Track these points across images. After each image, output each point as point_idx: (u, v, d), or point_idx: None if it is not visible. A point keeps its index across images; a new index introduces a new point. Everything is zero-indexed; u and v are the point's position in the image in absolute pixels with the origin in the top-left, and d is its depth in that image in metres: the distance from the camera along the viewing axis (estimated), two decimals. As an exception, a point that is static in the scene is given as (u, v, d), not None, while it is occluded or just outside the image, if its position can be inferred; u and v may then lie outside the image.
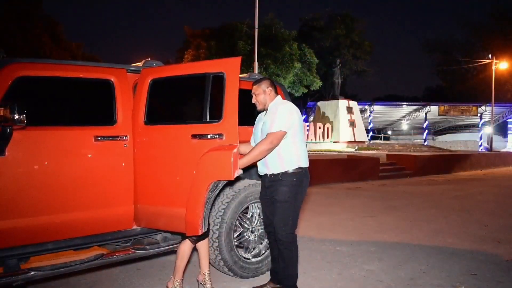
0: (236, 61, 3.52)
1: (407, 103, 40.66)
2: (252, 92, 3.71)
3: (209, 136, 3.46)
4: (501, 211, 8.52)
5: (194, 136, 3.53)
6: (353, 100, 32.81)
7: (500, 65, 33.38)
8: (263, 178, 3.74)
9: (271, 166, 3.58)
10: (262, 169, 3.68)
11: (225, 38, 29.02)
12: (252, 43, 20.21)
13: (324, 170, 12.84)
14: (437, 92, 51.51)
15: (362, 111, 36.11)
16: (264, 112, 3.75)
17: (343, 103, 30.45)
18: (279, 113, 3.54)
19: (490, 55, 33.57)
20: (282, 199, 3.54)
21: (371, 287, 4.10)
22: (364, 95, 41.35)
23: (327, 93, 34.76)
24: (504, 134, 38.61)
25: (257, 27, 18.90)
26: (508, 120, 37.24)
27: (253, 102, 3.73)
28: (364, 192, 11.28)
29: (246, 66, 25.64)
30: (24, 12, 24.35)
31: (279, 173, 3.54)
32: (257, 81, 3.72)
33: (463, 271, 4.57)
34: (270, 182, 3.61)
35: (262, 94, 3.69)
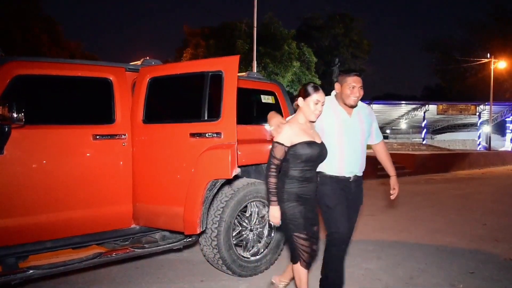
0: (235, 59, 3.52)
1: (405, 102, 40.64)
2: (354, 84, 3.23)
3: (207, 135, 3.46)
4: (500, 210, 8.52)
5: (192, 135, 3.53)
6: (352, 99, 32.73)
7: (499, 64, 33.38)
8: (344, 181, 3.33)
9: (361, 168, 3.42)
10: (354, 170, 3.36)
11: (224, 37, 29.02)
12: (251, 42, 20.19)
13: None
14: (436, 91, 51.54)
15: (361, 110, 36.01)
16: (337, 108, 3.35)
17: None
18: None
19: (488, 55, 33.58)
20: (362, 202, 3.51)
21: (370, 286, 4.10)
22: (363, 94, 41.14)
23: (326, 92, 34.73)
24: (503, 133, 38.62)
25: (255, 26, 18.89)
26: (507, 119, 37.23)
27: (353, 96, 3.25)
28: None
29: (245, 65, 25.63)
30: (23, 11, 24.31)
31: (362, 175, 3.46)
32: (359, 73, 3.30)
33: (462, 270, 4.58)
34: (357, 185, 3.40)
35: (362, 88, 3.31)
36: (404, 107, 40.08)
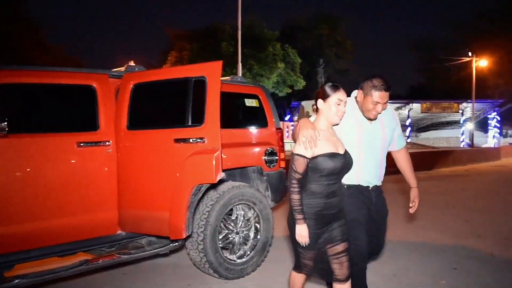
0: (217, 65, 3.56)
1: (390, 101, 40.56)
2: (379, 100, 2.94)
3: (191, 140, 3.50)
4: (482, 206, 8.67)
5: (176, 140, 3.56)
6: (337, 99, 32.93)
7: (480, 63, 33.94)
8: (364, 191, 3.08)
9: (380, 178, 3.16)
10: (372, 180, 3.11)
11: (209, 39, 29.01)
12: (235, 44, 20.25)
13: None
14: (420, 90, 52.07)
15: (346, 110, 36.25)
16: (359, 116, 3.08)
17: (327, 102, 30.56)
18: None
19: (470, 53, 34.09)
20: (388, 212, 3.25)
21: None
22: (348, 93, 41.32)
23: (311, 93, 34.91)
24: (485, 130, 39.17)
25: (240, 28, 18.92)
26: (489, 116, 37.82)
27: (375, 111, 2.97)
28: (348, 191, 11.36)
29: (230, 67, 25.67)
30: (5, 15, 24.01)
31: (381, 184, 3.20)
32: (389, 87, 2.96)
33: (445, 266, 4.68)
34: (378, 195, 3.15)
35: None
36: (389, 106, 40.40)
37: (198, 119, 3.53)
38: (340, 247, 2.78)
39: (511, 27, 40.54)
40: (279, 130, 5.04)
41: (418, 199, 3.32)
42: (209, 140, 3.45)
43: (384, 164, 3.16)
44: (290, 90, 32.32)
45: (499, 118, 38.00)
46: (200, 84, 3.55)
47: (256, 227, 4.46)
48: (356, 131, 3.00)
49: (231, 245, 4.30)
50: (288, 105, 38.01)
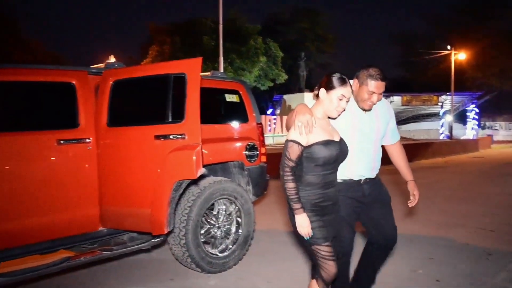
0: (197, 61, 3.59)
1: (370, 94, 41.33)
2: (375, 90, 2.85)
3: (171, 137, 3.52)
4: (460, 197, 8.88)
5: (157, 137, 3.59)
6: (318, 92, 33.16)
7: (459, 56, 34.49)
8: (355, 186, 2.98)
9: (374, 171, 3.07)
10: (364, 173, 3.01)
11: (190, 33, 28.88)
12: (217, 38, 20.18)
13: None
14: (401, 83, 52.64)
15: (328, 103, 36.49)
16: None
17: (308, 95, 30.75)
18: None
19: (449, 47, 34.61)
20: (390, 198, 3.16)
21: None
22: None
23: (293, 86, 35.11)
24: (464, 122, 39.87)
25: (221, 22, 18.86)
26: (467, 109, 38.52)
27: (370, 102, 2.89)
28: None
29: (212, 61, 25.60)
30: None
31: (377, 174, 3.12)
32: (385, 78, 2.87)
33: (422, 256, 4.80)
34: (373, 185, 3.05)
35: None
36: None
37: (178, 116, 3.55)
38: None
39: (488, 21, 41.28)
40: (260, 125, 5.09)
41: (418, 192, 3.23)
42: (189, 136, 3.48)
43: (379, 157, 3.08)
44: (272, 84, 32.40)
45: (477, 110, 38.78)
46: (180, 81, 3.57)
47: (237, 221, 4.52)
48: (349, 121, 2.88)
49: (213, 240, 4.35)
50: (270, 98, 38.08)
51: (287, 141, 2.55)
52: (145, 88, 3.91)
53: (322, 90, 2.62)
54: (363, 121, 2.95)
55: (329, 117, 2.71)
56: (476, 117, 38.93)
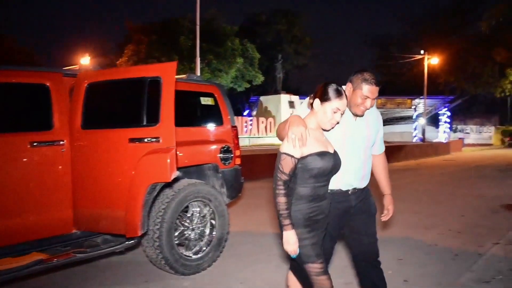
0: (172, 65, 3.62)
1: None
2: (369, 95, 2.76)
3: (146, 140, 3.56)
4: (431, 199, 9.11)
5: (131, 140, 3.61)
6: (295, 94, 33.50)
7: (432, 61, 35.30)
8: (341, 196, 2.84)
9: (364, 181, 2.96)
10: (353, 183, 2.88)
11: (167, 33, 28.73)
12: (194, 38, 20.16)
13: (266, 164, 13.00)
14: (375, 85, 53.51)
15: (304, 105, 36.80)
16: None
17: (285, 97, 31.06)
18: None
19: (422, 51, 35.37)
20: (375, 210, 3.04)
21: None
22: (306, 89, 42.12)
23: (270, 88, 35.29)
24: (436, 125, 40.82)
25: (198, 23, 18.86)
26: (440, 112, 39.44)
27: (363, 107, 2.79)
28: (305, 185, 11.59)
29: (188, 61, 25.56)
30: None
31: (367, 185, 3.01)
32: (379, 82, 2.80)
33: (391, 257, 4.91)
34: (363, 195, 2.95)
35: None
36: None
37: (153, 119, 3.58)
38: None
39: (460, 27, 42.33)
40: (234, 128, 5.14)
41: (392, 207, 3.16)
42: (164, 140, 3.51)
43: (369, 166, 2.98)
44: (248, 85, 32.54)
45: (449, 114, 39.78)
46: (155, 84, 3.60)
47: (211, 223, 4.56)
48: (340, 127, 2.74)
49: (187, 241, 4.38)
50: (246, 100, 38.22)
51: (279, 153, 2.44)
52: (120, 91, 3.92)
53: (317, 101, 2.51)
54: (354, 128, 2.85)
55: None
56: (448, 120, 39.91)
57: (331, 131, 2.66)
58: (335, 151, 2.59)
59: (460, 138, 38.82)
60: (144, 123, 3.62)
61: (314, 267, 2.46)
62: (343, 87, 2.71)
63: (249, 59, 31.31)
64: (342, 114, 2.53)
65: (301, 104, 2.84)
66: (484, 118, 48.94)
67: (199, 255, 4.41)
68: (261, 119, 29.09)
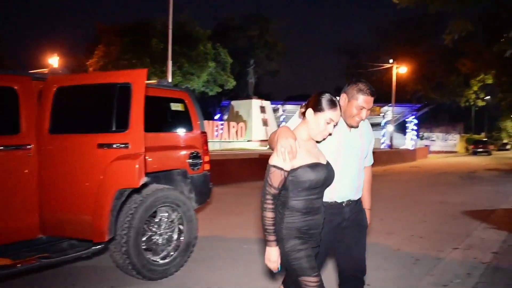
0: (143, 72, 3.66)
1: (316, 104, 42.46)
2: (365, 105, 2.73)
3: (115, 146, 3.58)
4: (396, 205, 9.36)
5: (100, 146, 3.62)
6: (266, 99, 33.74)
7: (400, 69, 36.19)
8: (335, 208, 2.77)
9: (357, 193, 2.90)
10: (347, 195, 2.81)
11: (139, 35, 28.44)
12: (166, 41, 20.03)
13: (236, 169, 13.14)
14: (345, 92, 54.31)
15: (275, 110, 37.16)
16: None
17: (256, 102, 31.22)
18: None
19: (391, 60, 36.23)
20: (367, 224, 3.00)
21: (274, 280, 4.40)
22: (277, 94, 42.47)
23: (241, 93, 35.41)
24: (404, 133, 41.79)
25: (171, 26, 18.75)
26: (407, 120, 40.40)
27: (358, 118, 2.75)
28: (274, 191, 11.70)
29: (160, 64, 25.39)
30: None
31: (360, 198, 2.95)
32: (374, 92, 2.77)
33: (355, 262, 5.05)
34: (356, 207, 2.89)
35: None
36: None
37: (123, 125, 3.61)
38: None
39: (428, 38, 43.55)
40: (204, 134, 5.19)
41: (369, 221, 3.09)
42: (132, 146, 3.54)
43: (362, 177, 2.93)
44: (220, 89, 32.57)
45: (416, 122, 40.79)
46: (125, 91, 3.63)
47: (179, 229, 4.59)
48: (335, 138, 2.69)
49: (154, 247, 4.40)
50: (218, 104, 38.22)
51: (269, 166, 2.34)
52: (90, 96, 3.93)
53: (310, 111, 2.41)
54: (349, 139, 2.80)
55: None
56: (415, 128, 40.91)
57: (326, 142, 2.60)
58: (327, 162, 2.50)
59: (426, 145, 39.93)
60: (114, 129, 3.64)
61: (309, 281, 2.35)
62: (337, 98, 2.62)
63: (221, 63, 31.37)
64: (335, 126, 2.46)
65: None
66: (450, 126, 50.53)
67: (166, 260, 4.43)
68: (232, 123, 29.18)
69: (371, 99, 2.73)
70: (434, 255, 5.39)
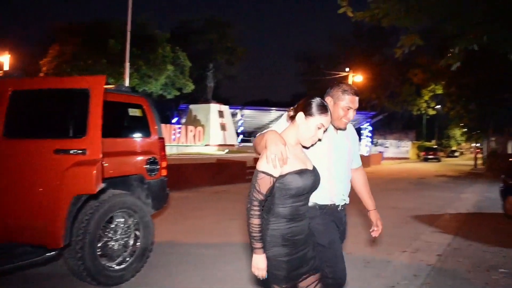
0: (101, 78, 3.68)
1: (275, 108, 42.84)
2: (351, 105, 2.73)
3: (72, 152, 3.56)
4: (348, 210, 9.60)
5: (56, 151, 3.60)
6: (225, 104, 33.81)
7: (356, 78, 37.23)
8: (335, 211, 2.81)
9: (348, 193, 2.91)
10: (344, 196, 2.86)
11: (96, 35, 27.82)
12: (124, 42, 19.71)
13: (193, 173, 13.13)
14: (301, 98, 55.11)
15: (233, 115, 37.25)
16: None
17: (214, 107, 31.23)
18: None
19: (348, 68, 37.20)
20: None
21: (231, 284, 4.49)
22: (236, 99, 42.54)
23: (200, 96, 35.29)
24: (359, 139, 42.75)
25: (129, 28, 18.52)
26: (362, 127, 41.46)
27: (346, 119, 2.77)
28: (231, 196, 11.80)
29: (118, 66, 24.95)
30: None
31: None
32: (358, 91, 2.79)
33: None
34: (345, 215, 2.92)
35: None
36: (274, 113, 42.23)
37: (80, 131, 3.60)
38: (313, 278, 2.45)
39: (381, 48, 45.09)
40: (162, 140, 5.21)
41: (381, 222, 3.12)
42: (90, 152, 3.54)
43: (350, 180, 2.94)
44: (178, 93, 32.34)
45: (371, 129, 41.90)
46: (83, 96, 3.63)
47: (136, 234, 4.59)
48: (324, 142, 2.64)
49: (110, 252, 4.38)
50: (176, 107, 37.90)
51: (257, 171, 2.26)
52: (47, 101, 3.90)
53: (301, 115, 2.36)
54: (337, 141, 2.80)
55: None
56: (370, 134, 42.02)
57: (315, 146, 2.54)
58: (314, 168, 2.44)
59: (380, 152, 41.04)
60: (71, 135, 3.63)
61: None
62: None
63: (180, 66, 31.16)
64: (324, 131, 2.41)
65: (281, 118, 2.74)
66: (403, 133, 52.25)
67: (122, 266, 4.42)
68: (190, 127, 29.05)
69: (356, 98, 2.75)
70: (384, 258, 5.64)
